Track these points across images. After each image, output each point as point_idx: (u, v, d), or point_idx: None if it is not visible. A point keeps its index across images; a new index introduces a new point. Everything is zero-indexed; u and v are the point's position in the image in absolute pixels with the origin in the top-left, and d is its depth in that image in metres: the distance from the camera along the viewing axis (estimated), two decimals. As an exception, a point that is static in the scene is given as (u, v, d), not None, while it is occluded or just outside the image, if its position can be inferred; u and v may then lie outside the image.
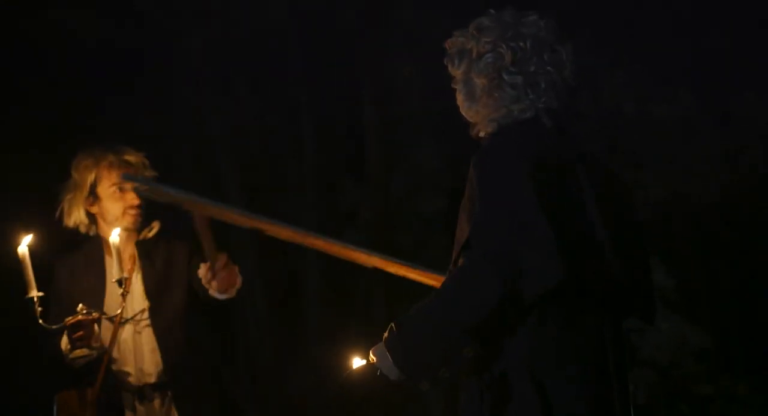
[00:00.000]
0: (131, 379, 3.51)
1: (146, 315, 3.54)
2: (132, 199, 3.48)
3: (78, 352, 3.38)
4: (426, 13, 6.20)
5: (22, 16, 5.71)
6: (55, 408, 3.51)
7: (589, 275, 2.37)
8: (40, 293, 3.27)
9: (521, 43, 2.50)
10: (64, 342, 3.40)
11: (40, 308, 3.27)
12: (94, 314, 3.38)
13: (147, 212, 3.54)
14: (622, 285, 2.43)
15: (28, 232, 3.30)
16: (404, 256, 4.80)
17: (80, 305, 3.35)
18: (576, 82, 2.55)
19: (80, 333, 3.35)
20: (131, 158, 3.54)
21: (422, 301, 2.39)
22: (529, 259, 2.26)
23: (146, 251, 3.56)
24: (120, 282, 3.37)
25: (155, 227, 3.56)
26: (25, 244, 3.29)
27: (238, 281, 3.46)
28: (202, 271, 3.40)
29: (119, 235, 3.38)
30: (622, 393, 2.43)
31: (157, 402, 3.51)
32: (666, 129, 6.31)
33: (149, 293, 3.51)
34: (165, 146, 6.04)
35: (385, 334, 2.40)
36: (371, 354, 2.42)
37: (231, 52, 6.30)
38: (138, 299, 3.53)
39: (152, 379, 3.52)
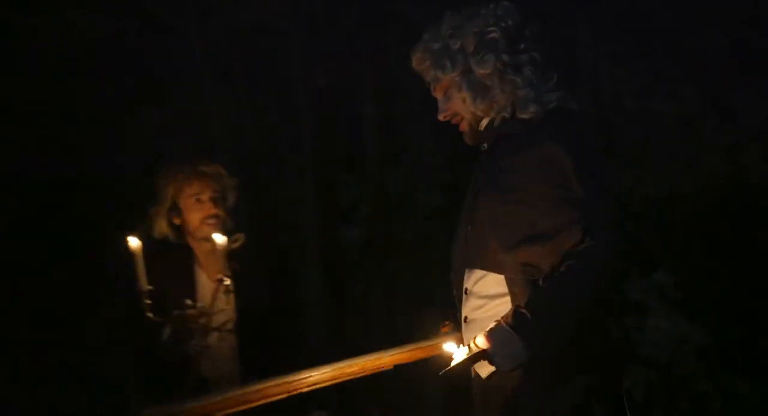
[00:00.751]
0: (212, 386, 3.61)
1: (231, 324, 3.65)
2: (209, 209, 3.60)
3: (181, 347, 3.51)
4: (426, 10, 6.18)
5: (17, 9, 5.71)
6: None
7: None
8: (150, 287, 3.35)
9: (503, 24, 2.54)
10: (167, 334, 3.49)
11: (148, 302, 3.35)
12: (196, 309, 3.50)
13: (227, 224, 3.65)
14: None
15: (137, 229, 3.41)
16: (403, 252, 4.78)
17: (188, 300, 3.46)
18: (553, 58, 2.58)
19: (184, 327, 3.46)
20: (207, 169, 3.70)
21: (548, 284, 2.39)
22: (628, 240, 2.44)
23: (236, 262, 3.65)
24: (221, 280, 3.48)
25: (240, 239, 3.66)
26: (135, 241, 3.37)
27: None
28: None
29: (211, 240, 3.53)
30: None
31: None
32: (666, 125, 6.30)
33: (238, 303, 3.60)
34: (163, 142, 6.04)
35: (509, 320, 2.37)
36: (484, 341, 2.39)
37: (230, 48, 6.28)
38: (225, 308, 3.61)
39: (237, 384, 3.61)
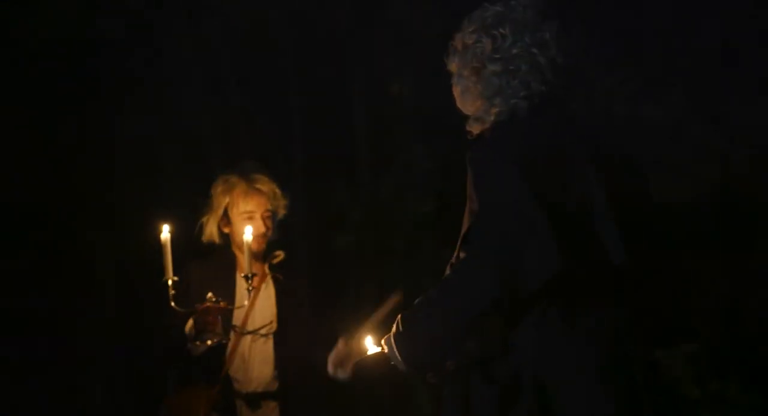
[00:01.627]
0: (238, 386, 3.75)
1: (265, 330, 3.77)
2: (259, 227, 3.70)
3: (203, 337, 3.57)
4: (417, 13, 6.19)
5: (12, 11, 5.71)
6: (167, 406, 3.64)
7: (591, 267, 2.35)
8: (176, 278, 3.45)
9: (501, 30, 2.49)
10: (189, 326, 3.58)
11: (173, 292, 3.43)
12: (222, 303, 3.58)
13: (272, 241, 3.76)
14: (629, 278, 2.41)
15: (166, 221, 3.49)
16: (394, 258, 4.73)
17: (210, 294, 3.54)
18: (567, 60, 2.52)
19: (209, 319, 3.53)
20: (263, 186, 3.84)
21: (424, 295, 2.41)
22: (527, 249, 2.26)
23: (277, 272, 3.76)
24: (247, 278, 3.54)
25: (280, 255, 3.78)
26: (166, 231, 3.46)
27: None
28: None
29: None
30: (632, 390, 2.39)
31: (260, 411, 3.67)
32: (656, 130, 6.32)
33: (281, 313, 3.70)
34: (153, 145, 6.03)
35: (393, 328, 2.44)
36: (383, 344, 2.46)
37: (220, 51, 6.28)
38: (263, 314, 3.70)
39: (260, 389, 3.75)
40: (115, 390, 5.73)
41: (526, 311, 2.35)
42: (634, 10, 6.21)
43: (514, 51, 2.47)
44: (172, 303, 3.47)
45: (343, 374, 3.69)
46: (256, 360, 3.78)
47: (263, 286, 3.78)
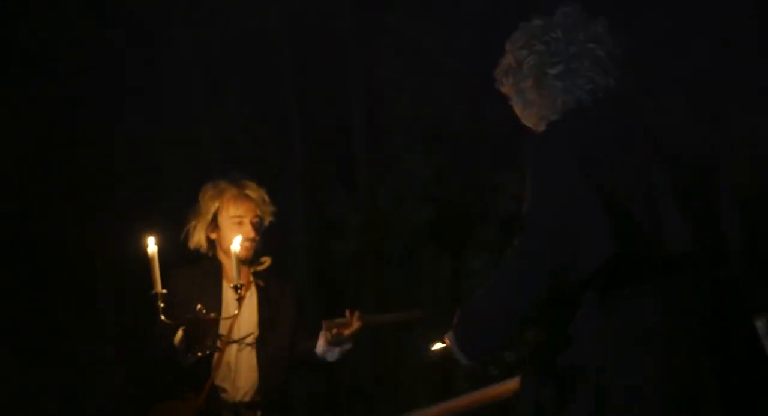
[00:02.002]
0: (225, 395, 3.74)
1: (251, 339, 3.76)
2: (248, 232, 3.73)
3: (195, 349, 3.55)
4: (416, 20, 6.21)
5: (11, 12, 5.72)
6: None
7: (650, 255, 2.32)
8: (164, 291, 3.43)
9: (553, 34, 2.50)
10: (179, 338, 3.55)
11: (162, 305, 3.42)
12: (212, 314, 3.57)
13: (259, 247, 3.78)
14: (693, 267, 2.37)
15: (153, 233, 3.47)
16: (392, 265, 4.78)
17: (199, 305, 3.55)
18: (621, 52, 2.54)
19: (199, 330, 3.53)
20: (252, 192, 3.85)
21: (481, 286, 2.39)
22: (580, 234, 2.26)
23: (262, 281, 3.76)
24: (236, 288, 3.54)
25: (267, 261, 3.78)
26: (153, 244, 3.44)
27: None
28: (327, 335, 3.64)
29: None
30: (708, 380, 2.33)
31: None
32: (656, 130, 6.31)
33: (262, 320, 3.76)
34: (154, 150, 6.04)
35: (454, 320, 2.44)
36: (446, 339, 2.48)
37: (221, 57, 6.29)
38: (247, 322, 3.72)
39: (247, 398, 3.74)
40: (109, 398, 5.73)
41: (584, 299, 2.33)
42: (633, 16, 6.23)
43: (572, 50, 2.48)
44: (162, 317, 3.47)
45: (332, 357, 3.76)
46: (242, 368, 3.78)
47: (248, 294, 3.77)
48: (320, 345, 3.75)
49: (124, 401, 5.68)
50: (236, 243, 3.58)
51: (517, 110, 2.61)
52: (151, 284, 3.48)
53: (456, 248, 6.40)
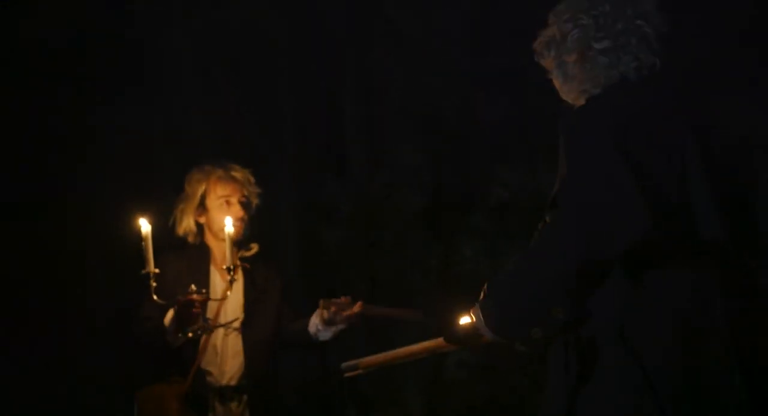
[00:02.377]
0: (212, 379, 3.77)
1: (237, 323, 3.82)
2: (237, 212, 3.77)
3: (186, 329, 3.62)
4: (410, 11, 6.20)
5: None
6: (140, 399, 3.68)
7: (680, 236, 2.31)
8: (157, 270, 3.48)
9: (601, 8, 2.46)
10: (169, 319, 3.59)
11: (154, 284, 3.50)
12: (204, 294, 3.63)
13: (248, 231, 3.81)
14: (722, 253, 2.35)
15: (146, 214, 3.56)
16: (384, 253, 4.77)
17: (192, 286, 3.60)
18: (667, 29, 2.50)
19: (191, 311, 3.57)
20: (238, 174, 3.89)
21: (511, 260, 2.36)
22: (614, 211, 2.22)
23: (248, 265, 3.80)
24: (229, 270, 3.60)
25: (254, 248, 3.83)
26: (147, 224, 3.51)
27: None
28: (324, 313, 3.66)
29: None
30: (734, 355, 2.32)
31: (234, 404, 3.71)
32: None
33: (248, 304, 3.77)
34: (146, 142, 6.02)
35: (481, 294, 2.40)
36: (472, 313, 2.42)
37: (214, 48, 6.27)
38: (234, 306, 3.75)
39: (233, 382, 3.78)
40: (95, 383, 5.74)
41: (614, 277, 2.30)
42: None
43: (620, 26, 2.44)
44: (154, 296, 3.50)
45: (324, 336, 3.78)
46: (228, 353, 3.82)
47: (237, 275, 3.80)
48: (313, 324, 3.77)
49: (112, 383, 5.68)
50: (229, 225, 3.61)
51: (557, 83, 2.56)
52: (142, 264, 3.51)
53: (447, 236, 6.40)
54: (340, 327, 3.79)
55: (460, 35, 6.02)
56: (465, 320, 2.49)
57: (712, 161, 2.40)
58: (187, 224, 3.92)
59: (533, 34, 2.61)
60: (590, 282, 2.30)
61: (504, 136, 6.13)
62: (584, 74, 2.47)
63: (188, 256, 3.88)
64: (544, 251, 2.30)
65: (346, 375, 2.79)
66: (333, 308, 3.74)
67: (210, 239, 3.92)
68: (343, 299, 3.73)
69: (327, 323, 3.75)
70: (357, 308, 3.74)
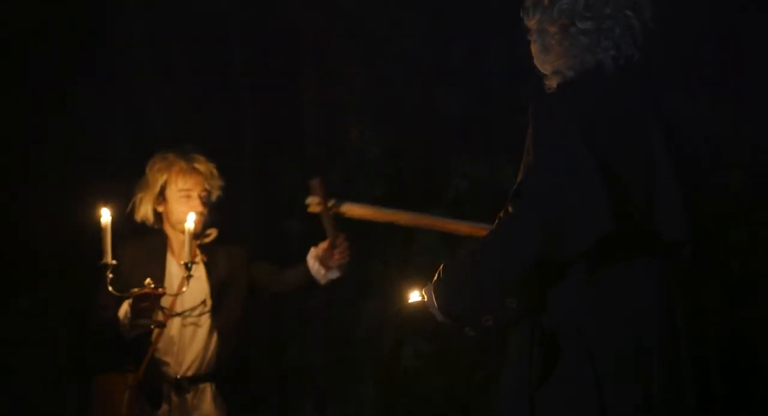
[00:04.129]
0: (168, 370, 3.72)
1: (197, 311, 3.78)
2: (196, 206, 3.72)
3: (139, 322, 3.58)
4: (370, 3, 6.19)
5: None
6: (93, 389, 3.64)
7: (643, 234, 2.29)
8: (114, 262, 3.46)
9: None
10: (124, 311, 3.54)
11: (111, 277, 3.46)
12: (160, 289, 3.60)
13: (208, 222, 3.78)
14: (686, 241, 2.32)
15: (107, 204, 3.47)
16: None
17: (148, 280, 3.58)
18: (657, 25, 2.42)
19: (146, 304, 3.55)
20: (201, 166, 3.87)
21: (471, 245, 2.35)
22: (577, 207, 2.20)
23: (208, 254, 3.77)
24: (187, 266, 3.58)
25: (213, 233, 3.81)
26: (107, 215, 3.48)
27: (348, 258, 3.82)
28: (319, 251, 3.64)
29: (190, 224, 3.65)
30: (689, 353, 2.34)
31: (190, 395, 3.69)
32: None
33: (213, 291, 3.72)
34: (102, 132, 5.98)
35: (435, 275, 2.39)
36: (422, 293, 2.43)
37: (171, 38, 6.23)
38: (194, 296, 3.72)
39: (190, 372, 3.66)
40: (51, 371, 5.69)
41: (571, 269, 2.29)
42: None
43: (607, 10, 2.39)
44: (109, 288, 3.48)
45: (333, 274, 3.72)
46: (186, 343, 3.79)
47: (195, 268, 3.77)
48: (314, 264, 3.75)
49: (66, 372, 5.64)
50: (190, 221, 3.58)
51: (534, 49, 2.50)
52: (99, 254, 3.49)
53: (407, 227, 6.41)
54: (336, 275, 3.78)
55: (421, 27, 6.03)
56: (415, 296, 2.49)
57: (681, 158, 2.39)
58: (144, 211, 3.90)
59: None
60: (550, 276, 2.30)
61: (465, 127, 6.15)
62: (560, 49, 2.42)
63: (146, 243, 3.86)
64: (502, 241, 2.28)
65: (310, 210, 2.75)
66: (322, 250, 3.72)
67: (168, 229, 3.89)
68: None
69: (323, 263, 3.75)
70: (341, 243, 3.73)
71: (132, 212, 3.91)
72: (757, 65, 5.43)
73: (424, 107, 6.15)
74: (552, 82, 2.46)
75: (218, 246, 3.94)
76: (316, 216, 3.77)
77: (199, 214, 3.82)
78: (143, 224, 3.90)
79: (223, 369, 3.83)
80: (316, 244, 3.83)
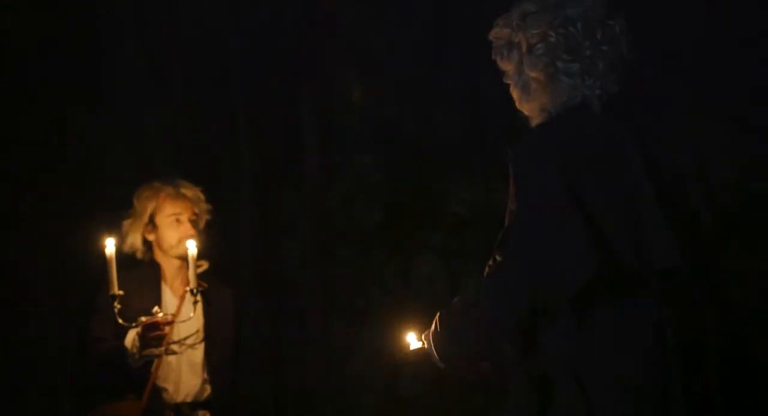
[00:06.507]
0: (167, 396, 3.74)
1: (191, 339, 3.77)
2: (187, 230, 3.73)
3: (149, 351, 3.57)
4: (368, 21, 6.20)
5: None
6: None
7: (632, 270, 2.30)
8: (121, 292, 3.46)
9: (571, 28, 2.38)
10: (131, 340, 3.57)
11: (118, 306, 3.47)
12: (169, 316, 3.61)
13: (201, 248, 3.78)
14: (677, 277, 2.36)
15: (111, 234, 3.52)
16: (341, 268, 4.76)
17: (156, 308, 3.60)
18: (633, 55, 2.41)
19: (156, 333, 3.53)
20: (188, 191, 3.87)
21: (463, 293, 2.39)
22: (558, 255, 2.22)
23: (205, 284, 3.77)
24: (192, 291, 3.60)
25: (204, 265, 3.78)
26: (112, 246, 3.47)
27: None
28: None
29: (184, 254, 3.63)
30: (679, 390, 2.35)
31: None
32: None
33: (207, 319, 3.71)
34: (99, 153, 5.97)
35: (431, 326, 2.43)
36: (423, 339, 2.47)
37: (169, 58, 6.24)
38: (188, 323, 3.72)
39: (189, 398, 3.75)
40: (50, 402, 5.67)
41: (564, 311, 2.31)
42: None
43: (588, 52, 2.38)
44: (119, 319, 3.49)
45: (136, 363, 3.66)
46: (184, 370, 3.79)
47: (187, 296, 3.76)
48: (130, 340, 3.65)
49: (66, 402, 5.62)
50: (192, 247, 3.59)
51: (514, 92, 2.49)
52: (101, 285, 3.48)
53: (405, 251, 6.41)
54: (162, 353, 3.65)
55: (420, 51, 6.04)
56: (415, 342, 2.55)
57: (664, 189, 2.41)
58: (132, 240, 3.88)
59: (490, 52, 2.57)
60: (542, 319, 2.33)
61: (462, 152, 6.16)
62: (545, 90, 2.41)
63: (139, 273, 3.85)
64: (494, 292, 2.32)
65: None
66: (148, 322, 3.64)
67: (160, 257, 3.88)
68: (161, 316, 3.61)
69: (142, 345, 3.63)
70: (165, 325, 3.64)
71: (121, 242, 3.90)
72: (747, 81, 5.44)
73: (423, 131, 6.16)
74: (535, 120, 2.47)
75: (212, 279, 3.96)
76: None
77: (188, 238, 3.83)
78: (133, 256, 3.90)
79: (220, 396, 3.83)
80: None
